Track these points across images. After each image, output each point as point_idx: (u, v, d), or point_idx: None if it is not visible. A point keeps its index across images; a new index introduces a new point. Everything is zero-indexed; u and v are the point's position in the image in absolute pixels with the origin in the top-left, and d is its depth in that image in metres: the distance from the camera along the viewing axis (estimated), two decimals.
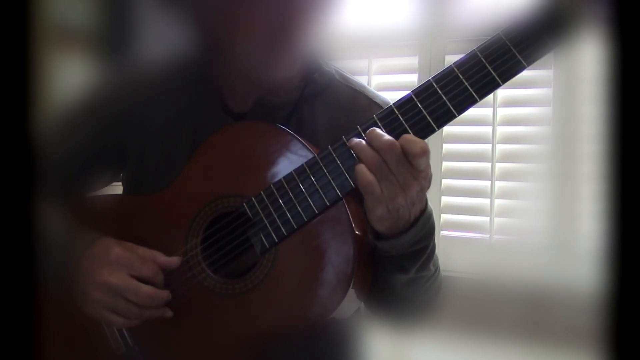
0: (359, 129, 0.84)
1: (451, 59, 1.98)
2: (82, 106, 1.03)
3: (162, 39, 1.02)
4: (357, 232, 0.86)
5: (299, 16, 0.87)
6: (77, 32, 1.07)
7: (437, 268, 0.96)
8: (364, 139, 0.82)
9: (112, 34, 1.08)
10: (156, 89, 1.01)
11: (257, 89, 0.96)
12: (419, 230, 0.85)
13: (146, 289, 0.89)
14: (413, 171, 0.79)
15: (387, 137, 0.80)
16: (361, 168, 0.81)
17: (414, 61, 1.99)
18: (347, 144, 0.84)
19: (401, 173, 0.79)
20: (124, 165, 1.04)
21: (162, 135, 0.99)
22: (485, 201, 1.89)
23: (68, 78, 1.03)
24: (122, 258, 0.90)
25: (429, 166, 0.81)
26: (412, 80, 2.00)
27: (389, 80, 2.04)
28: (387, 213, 0.81)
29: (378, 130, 0.81)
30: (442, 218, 1.93)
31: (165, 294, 0.91)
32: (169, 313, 0.91)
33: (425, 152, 0.79)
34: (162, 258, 0.92)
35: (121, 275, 0.89)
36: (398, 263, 0.89)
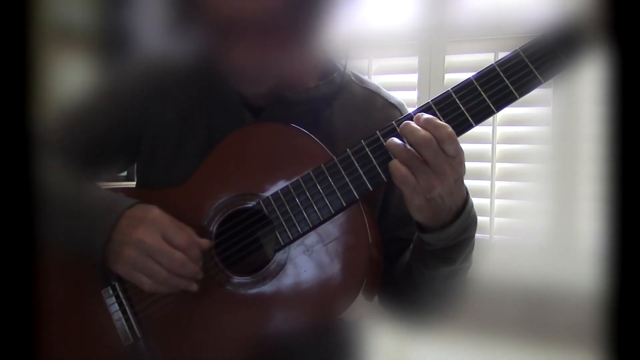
0: (378, 134, 0.86)
1: (451, 59, 2.00)
2: (97, 95, 1.03)
3: (175, 37, 1.01)
4: (370, 234, 0.86)
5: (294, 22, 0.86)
6: (79, 31, 1.07)
7: (472, 259, 0.97)
8: (383, 144, 0.84)
9: (116, 32, 1.08)
10: (173, 80, 1.01)
11: (272, 83, 0.95)
12: (465, 220, 0.86)
13: (178, 254, 0.88)
14: (449, 159, 0.81)
15: (423, 131, 0.81)
16: (394, 163, 0.82)
17: (414, 61, 1.99)
18: (366, 148, 0.86)
19: (437, 164, 0.81)
20: (138, 154, 1.04)
21: (177, 126, 1.00)
22: (485, 201, 1.89)
23: (68, 78, 1.03)
24: (158, 220, 0.90)
25: (461, 152, 0.83)
26: (412, 80, 2.01)
27: (389, 80, 2.04)
28: (426, 202, 0.82)
29: (412, 124, 0.82)
30: None
31: (196, 268, 0.90)
32: (194, 286, 0.90)
33: (452, 137, 0.81)
34: (196, 237, 0.91)
35: (156, 237, 0.89)
36: (444, 255, 0.89)
